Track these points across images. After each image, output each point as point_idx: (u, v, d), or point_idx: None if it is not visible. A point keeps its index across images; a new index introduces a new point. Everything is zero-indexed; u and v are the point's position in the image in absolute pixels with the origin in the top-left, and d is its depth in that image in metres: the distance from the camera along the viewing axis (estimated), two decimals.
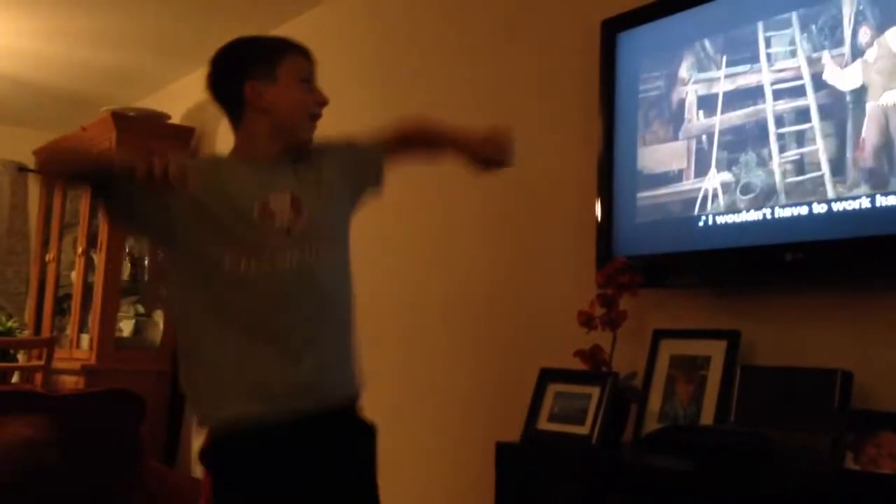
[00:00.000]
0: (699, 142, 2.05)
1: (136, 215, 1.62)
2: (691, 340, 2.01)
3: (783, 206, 1.86)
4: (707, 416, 1.89)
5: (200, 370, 1.63)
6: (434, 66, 3.07)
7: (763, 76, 1.93)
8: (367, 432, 1.72)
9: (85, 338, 4.49)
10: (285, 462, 1.58)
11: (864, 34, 1.76)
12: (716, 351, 1.94)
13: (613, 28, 2.28)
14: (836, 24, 1.81)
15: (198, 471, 4.01)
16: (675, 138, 2.09)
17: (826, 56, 1.82)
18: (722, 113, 2.00)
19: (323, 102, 1.74)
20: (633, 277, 2.03)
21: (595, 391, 1.99)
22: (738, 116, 1.97)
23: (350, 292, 1.74)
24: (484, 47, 2.87)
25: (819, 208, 1.80)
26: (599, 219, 2.25)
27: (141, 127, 4.50)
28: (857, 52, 1.77)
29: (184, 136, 4.56)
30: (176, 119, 4.65)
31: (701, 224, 2.03)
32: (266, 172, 1.68)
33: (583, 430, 1.96)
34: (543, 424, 2.05)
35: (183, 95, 4.75)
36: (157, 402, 4.22)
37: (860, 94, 1.76)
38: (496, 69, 2.80)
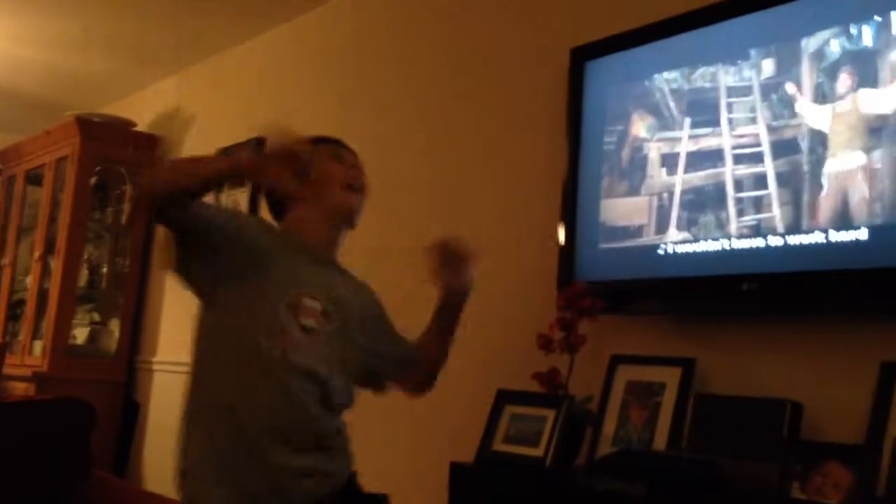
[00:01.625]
0: (660, 199, 2.07)
1: (202, 251, 1.61)
2: (647, 367, 2.03)
3: (739, 238, 1.90)
4: (660, 442, 1.91)
5: (204, 444, 1.58)
6: (403, 86, 3.09)
7: (724, 140, 1.97)
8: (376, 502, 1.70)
9: (38, 344, 4.42)
10: None
11: (840, 86, 1.80)
12: (671, 378, 1.97)
13: (582, 55, 2.31)
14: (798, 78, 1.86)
15: (150, 485, 3.95)
16: (637, 193, 2.12)
17: (797, 92, 1.86)
18: (684, 172, 2.04)
19: (353, 167, 1.74)
20: (594, 302, 2.05)
21: (551, 414, 2.00)
22: (698, 178, 2.00)
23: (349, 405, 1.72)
24: (455, 68, 2.89)
25: (775, 241, 1.84)
26: (562, 242, 2.27)
27: (105, 133, 4.46)
28: (826, 99, 1.81)
29: (149, 144, 4.52)
30: (142, 126, 4.61)
31: (661, 252, 2.05)
32: (319, 269, 1.69)
33: (537, 451, 1.97)
34: (498, 446, 2.06)
35: (150, 103, 4.72)
36: (110, 411, 4.16)
37: (819, 152, 1.80)
38: (467, 90, 2.83)
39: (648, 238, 2.09)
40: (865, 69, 1.75)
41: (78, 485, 2.58)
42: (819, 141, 1.80)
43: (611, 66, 2.25)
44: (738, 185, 1.92)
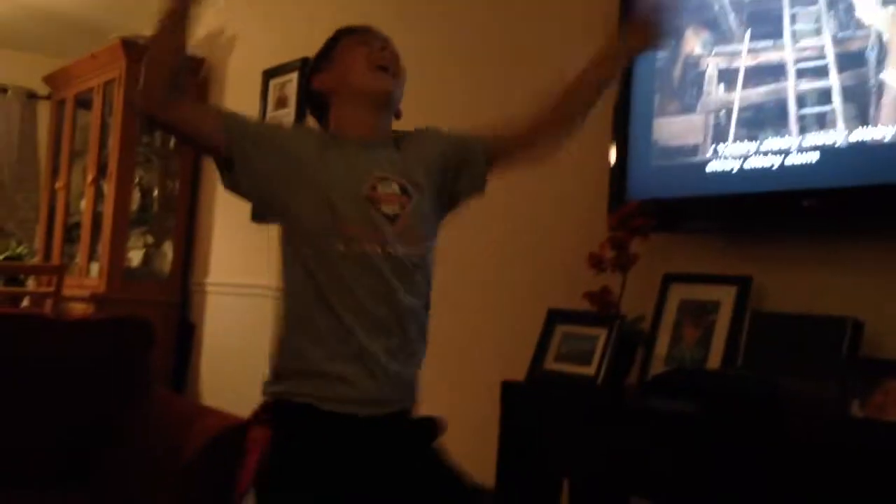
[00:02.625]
0: (717, 117, 2.00)
1: (256, 172, 1.57)
2: (701, 285, 2.00)
3: (799, 152, 1.84)
4: (714, 362, 1.89)
5: (306, 335, 1.54)
6: (445, 9, 3.01)
7: (786, 53, 1.88)
8: (427, 428, 1.63)
9: (95, 266, 4.52)
10: (349, 457, 1.51)
11: None
12: (726, 296, 1.93)
13: None
14: None
15: (207, 401, 4.07)
16: (692, 110, 2.05)
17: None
18: (742, 89, 1.95)
19: (380, 49, 1.65)
20: (646, 221, 2.01)
21: (602, 333, 1.99)
22: (758, 94, 1.92)
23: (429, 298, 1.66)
24: None
25: (836, 155, 1.77)
26: (613, 161, 2.22)
27: None
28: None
29: (194, 67, 4.51)
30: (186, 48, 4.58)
31: (717, 169, 2.00)
32: (372, 153, 1.61)
33: (588, 370, 1.96)
34: (550, 364, 2.06)
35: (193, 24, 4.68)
36: (166, 332, 4.26)
37: (884, 62, 1.71)
38: (519, 8, 2.75)
39: (704, 156, 2.03)
40: None
41: (139, 402, 2.66)
42: (886, 50, 1.71)
43: None
44: (801, 100, 1.85)
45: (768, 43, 1.92)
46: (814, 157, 1.82)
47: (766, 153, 1.90)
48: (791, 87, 1.87)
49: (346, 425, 1.51)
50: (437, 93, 2.83)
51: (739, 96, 1.97)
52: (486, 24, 2.87)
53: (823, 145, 1.80)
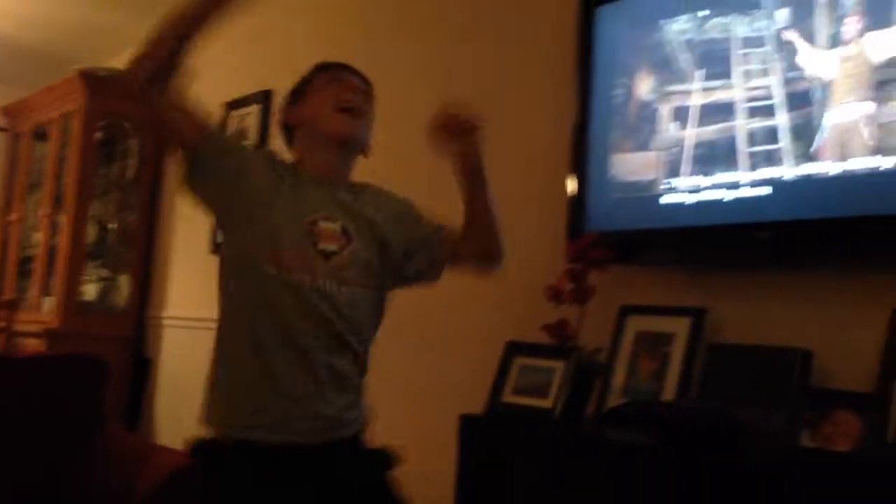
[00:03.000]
0: (670, 153, 2.04)
1: (217, 174, 1.61)
2: (657, 317, 2.03)
3: (752, 187, 1.88)
4: (669, 393, 1.91)
5: (227, 371, 1.61)
6: (409, 41, 3.04)
7: (736, 92, 1.92)
8: (378, 458, 1.65)
9: (48, 301, 4.44)
10: (285, 484, 1.52)
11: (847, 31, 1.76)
12: (681, 328, 1.96)
13: (592, 1, 2.27)
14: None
15: (162, 439, 4.00)
16: (647, 148, 2.09)
17: (807, 42, 1.83)
18: (695, 127, 2.00)
19: (348, 90, 1.67)
20: (604, 253, 2.04)
21: (560, 365, 2.00)
22: (710, 132, 1.96)
23: (372, 337, 1.68)
24: (461, 23, 2.85)
25: (786, 189, 1.82)
26: (572, 193, 2.25)
27: (110, 87, 4.42)
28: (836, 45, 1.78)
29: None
30: None
31: (671, 202, 2.03)
32: (324, 191, 1.65)
33: (546, 403, 1.97)
34: (508, 397, 2.06)
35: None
36: (121, 367, 4.19)
37: (827, 102, 1.76)
38: (473, 43, 2.79)
39: (659, 189, 2.07)
40: (875, 13, 1.71)
41: (92, 439, 2.61)
42: (830, 90, 1.77)
43: (622, 13, 2.21)
44: (752, 138, 1.89)
45: (719, 83, 1.97)
46: (764, 190, 1.86)
47: (718, 186, 1.94)
48: (741, 125, 1.92)
49: (279, 455, 1.52)
50: (399, 122, 2.85)
51: (692, 134, 2.01)
52: (455, 58, 2.91)
53: (773, 179, 1.84)
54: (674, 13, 2.07)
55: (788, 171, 1.82)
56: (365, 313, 1.64)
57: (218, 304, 1.66)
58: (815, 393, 1.64)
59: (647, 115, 2.11)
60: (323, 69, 1.73)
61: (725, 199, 1.92)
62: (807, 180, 1.79)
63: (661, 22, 2.09)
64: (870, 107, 1.70)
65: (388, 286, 1.71)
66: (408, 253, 1.71)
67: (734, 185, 1.91)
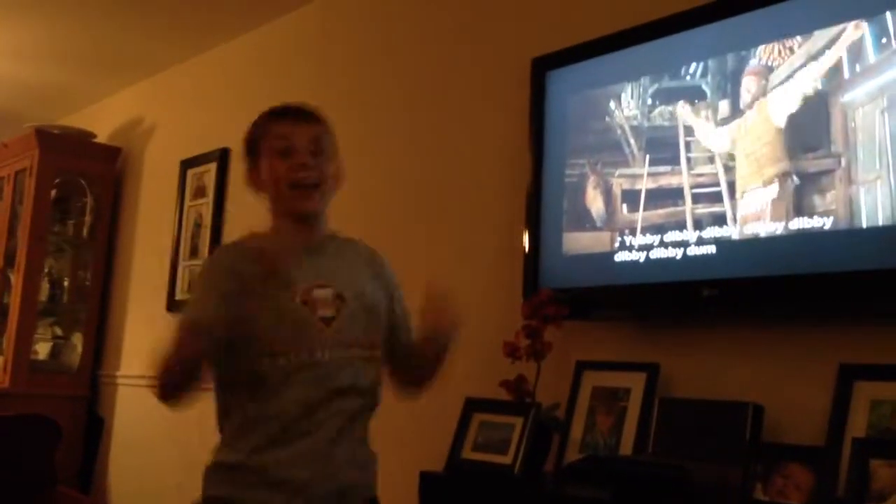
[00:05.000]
0: (622, 233, 2.10)
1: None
2: (612, 372, 2.06)
3: (699, 245, 1.94)
4: (627, 447, 1.94)
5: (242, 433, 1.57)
6: (368, 94, 3.09)
7: (683, 178, 1.99)
8: None
9: None
10: None
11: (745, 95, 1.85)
12: (635, 383, 2.00)
13: (544, 65, 2.34)
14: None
15: (113, 498, 3.90)
16: (599, 228, 2.15)
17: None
18: (644, 210, 2.06)
19: (300, 168, 1.58)
20: (559, 309, 2.07)
21: (518, 421, 2.02)
22: (658, 215, 2.03)
23: (377, 397, 1.69)
24: (420, 79, 2.90)
25: (732, 248, 1.88)
26: (527, 250, 2.29)
27: (65, 145, 4.41)
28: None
29: (110, 157, 4.48)
30: (102, 138, 4.56)
31: (622, 260, 2.08)
32: (307, 260, 1.59)
33: (506, 459, 1.98)
34: (468, 453, 2.07)
35: (109, 114, 4.67)
36: (73, 426, 4.11)
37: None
38: (432, 100, 2.84)
39: (610, 249, 2.12)
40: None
41: (42, 502, 2.55)
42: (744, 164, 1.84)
43: (571, 77, 2.28)
44: (698, 223, 1.95)
45: (666, 168, 2.04)
46: (712, 249, 1.91)
47: (667, 247, 2.00)
48: (689, 209, 1.97)
49: None
50: (355, 186, 2.87)
51: (642, 217, 2.06)
52: (413, 113, 2.96)
53: (721, 241, 1.90)
54: (619, 79, 2.15)
55: (733, 230, 1.88)
56: (373, 375, 1.67)
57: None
58: (766, 447, 1.67)
59: (597, 196, 2.16)
60: (274, 120, 1.65)
61: (674, 258, 1.98)
62: (750, 240, 1.85)
63: (612, 105, 2.16)
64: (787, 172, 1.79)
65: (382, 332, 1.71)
66: (395, 327, 1.72)
67: (681, 244, 1.96)
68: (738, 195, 1.89)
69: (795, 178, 1.79)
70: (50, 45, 4.05)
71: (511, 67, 2.50)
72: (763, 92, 1.87)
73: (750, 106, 1.89)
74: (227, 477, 1.55)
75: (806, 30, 1.82)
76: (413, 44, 2.95)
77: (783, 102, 1.83)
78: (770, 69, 1.87)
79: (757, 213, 1.85)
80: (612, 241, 2.12)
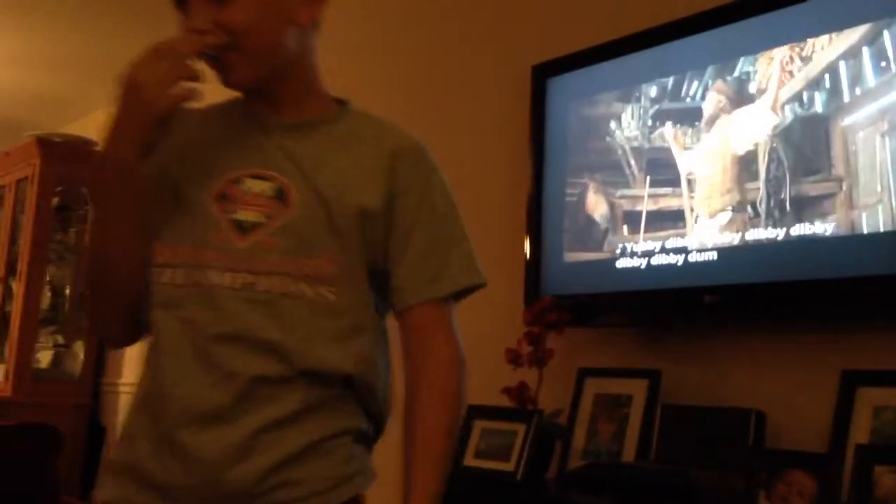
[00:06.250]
0: (623, 252, 2.09)
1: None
2: (615, 379, 2.06)
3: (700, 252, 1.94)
4: (629, 454, 1.94)
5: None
6: (367, 100, 3.09)
7: (684, 200, 1.98)
8: None
9: (0, 368, 4.35)
10: None
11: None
12: (638, 390, 1.99)
13: (544, 73, 2.34)
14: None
15: None
16: (600, 249, 2.14)
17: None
18: (645, 231, 2.05)
19: (199, 32, 1.16)
20: (561, 316, 2.07)
21: (521, 428, 2.02)
22: (659, 237, 2.02)
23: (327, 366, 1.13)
24: (420, 85, 2.91)
25: (734, 253, 1.87)
26: (528, 257, 2.29)
27: (66, 153, 4.40)
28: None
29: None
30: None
31: (624, 266, 2.08)
32: (268, 142, 1.15)
33: (508, 466, 1.98)
34: (470, 461, 2.07)
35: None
36: (76, 435, 4.10)
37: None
38: (432, 107, 2.85)
39: (612, 254, 2.11)
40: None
41: None
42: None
43: (572, 84, 2.28)
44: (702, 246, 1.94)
45: (667, 189, 2.03)
46: (714, 255, 1.91)
47: (668, 252, 1.99)
48: (690, 229, 1.97)
49: None
50: None
51: (642, 237, 2.06)
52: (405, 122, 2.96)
53: (718, 245, 1.90)
54: (620, 85, 2.15)
55: (734, 236, 1.88)
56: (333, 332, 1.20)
57: None
58: (769, 453, 1.67)
59: (598, 218, 2.15)
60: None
61: (676, 264, 1.97)
62: (751, 246, 1.85)
63: (612, 125, 2.15)
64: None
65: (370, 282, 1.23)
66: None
67: (682, 250, 1.96)
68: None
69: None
70: (51, 54, 4.06)
71: (512, 75, 2.51)
72: (758, 112, 1.85)
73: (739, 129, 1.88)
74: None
75: (807, 55, 1.81)
76: (412, 50, 2.96)
77: (779, 126, 1.83)
78: (769, 91, 1.86)
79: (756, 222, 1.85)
80: (612, 258, 2.11)
